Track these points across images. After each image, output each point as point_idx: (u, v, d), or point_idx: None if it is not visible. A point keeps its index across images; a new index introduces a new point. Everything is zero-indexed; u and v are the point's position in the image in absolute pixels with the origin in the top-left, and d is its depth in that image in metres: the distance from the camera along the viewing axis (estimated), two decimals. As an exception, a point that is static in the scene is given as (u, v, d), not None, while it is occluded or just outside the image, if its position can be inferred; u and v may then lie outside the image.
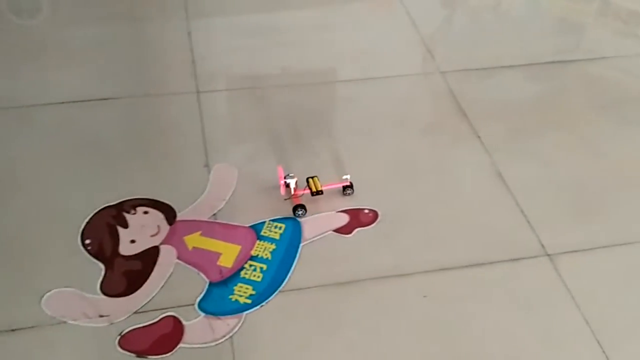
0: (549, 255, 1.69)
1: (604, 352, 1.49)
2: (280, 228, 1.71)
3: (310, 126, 2.07)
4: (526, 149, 2.02)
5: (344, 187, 1.83)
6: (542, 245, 1.72)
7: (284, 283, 1.59)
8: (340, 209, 1.77)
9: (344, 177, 1.82)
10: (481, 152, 1.98)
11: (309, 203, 1.78)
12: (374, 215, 1.76)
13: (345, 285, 1.60)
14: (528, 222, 1.78)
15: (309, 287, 1.59)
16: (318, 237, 1.70)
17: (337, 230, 1.71)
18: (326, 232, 1.71)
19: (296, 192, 1.79)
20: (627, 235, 1.77)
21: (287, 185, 1.78)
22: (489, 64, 2.39)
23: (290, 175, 1.78)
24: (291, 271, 1.61)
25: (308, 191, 1.79)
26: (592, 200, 1.87)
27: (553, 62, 2.44)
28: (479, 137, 2.04)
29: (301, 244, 1.68)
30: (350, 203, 1.79)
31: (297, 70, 2.31)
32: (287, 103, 2.16)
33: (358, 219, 1.75)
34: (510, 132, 2.09)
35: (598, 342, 1.51)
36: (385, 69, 2.31)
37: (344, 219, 1.75)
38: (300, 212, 1.76)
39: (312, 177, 1.82)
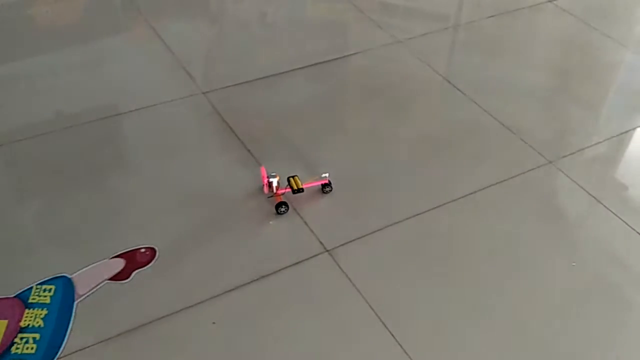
0: (328, 250, 1.75)
1: (390, 333, 1.56)
2: (50, 290, 1.59)
3: (82, 169, 1.97)
4: (294, 152, 2.07)
5: (323, 185, 1.91)
6: (321, 243, 1.77)
7: (61, 348, 1.47)
8: (114, 254, 1.69)
9: (323, 175, 1.90)
10: (253, 165, 2.00)
11: (291, 200, 1.86)
12: (152, 252, 1.70)
13: (130, 334, 1.52)
14: (305, 223, 1.82)
15: (91, 346, 1.49)
16: (93, 290, 1.60)
17: (113, 278, 1.63)
18: (102, 282, 1.62)
19: (278, 191, 1.84)
20: (395, 215, 1.87)
21: (270, 184, 1.84)
22: (257, 76, 2.42)
23: (273, 174, 1.84)
24: (68, 334, 1.50)
25: (289, 190, 1.86)
26: (339, 187, 1.94)
27: (324, 62, 2.54)
28: (248, 150, 2.06)
29: (76, 302, 1.57)
30: (126, 245, 1.72)
31: (61, 115, 2.18)
32: (48, 152, 2.03)
33: (135, 260, 1.68)
34: (281, 139, 2.13)
35: (384, 325, 1.58)
36: (148, 99, 2.25)
37: (120, 264, 1.67)
38: (282, 210, 1.83)
39: (292, 177, 1.89)
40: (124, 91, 2.30)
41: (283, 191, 1.87)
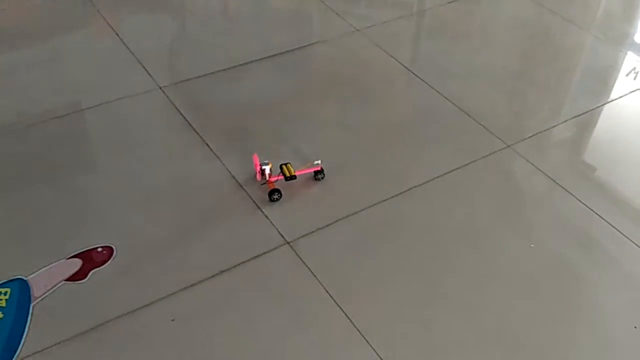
0: (288, 242, 1.75)
1: (348, 318, 1.57)
2: (5, 293, 1.57)
3: (38, 168, 1.94)
4: (255, 144, 2.05)
5: (316, 172, 1.92)
6: (281, 235, 1.77)
7: (18, 352, 1.46)
8: (71, 255, 1.67)
9: (315, 162, 1.90)
10: (212, 159, 1.99)
11: (284, 188, 1.88)
12: (109, 251, 1.68)
13: (88, 334, 1.51)
14: (266, 216, 1.82)
15: (48, 347, 1.48)
16: (50, 292, 1.58)
17: (70, 279, 1.61)
18: (58, 283, 1.60)
19: (271, 178, 1.85)
20: (357, 203, 1.87)
21: (262, 172, 1.85)
22: (217, 68, 2.40)
23: (265, 162, 1.86)
24: (24, 336, 1.49)
25: (282, 177, 1.87)
26: (301, 177, 1.93)
27: (285, 52, 2.53)
28: (206, 144, 2.04)
29: (32, 304, 1.55)
30: (84, 244, 1.70)
31: (18, 114, 2.14)
32: (2, 152, 2.00)
33: (92, 260, 1.66)
34: (240, 131, 2.12)
35: (342, 310, 1.59)
36: (104, 95, 2.21)
37: (76, 264, 1.65)
38: (275, 197, 1.84)
39: (285, 164, 1.90)
40: (80, 88, 2.27)
41: (276, 178, 1.88)
